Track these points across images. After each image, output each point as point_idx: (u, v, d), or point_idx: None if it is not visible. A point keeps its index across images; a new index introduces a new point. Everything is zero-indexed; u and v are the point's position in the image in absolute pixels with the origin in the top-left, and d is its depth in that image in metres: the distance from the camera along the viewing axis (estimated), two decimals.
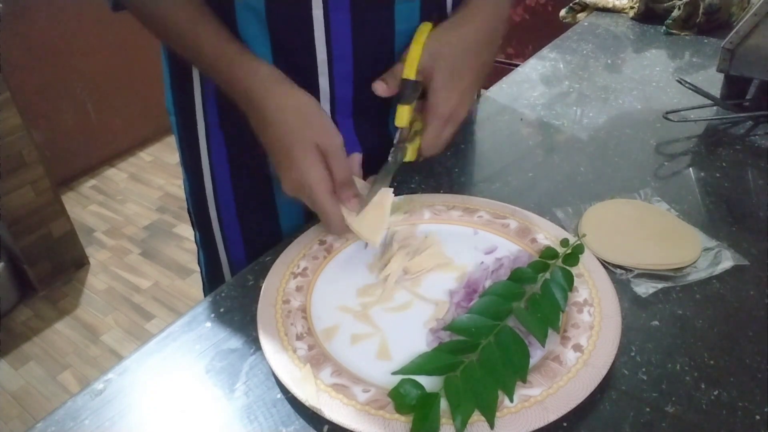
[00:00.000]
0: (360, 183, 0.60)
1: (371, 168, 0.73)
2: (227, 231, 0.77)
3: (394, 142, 0.63)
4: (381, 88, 0.63)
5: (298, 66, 0.63)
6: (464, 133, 0.82)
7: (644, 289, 0.55)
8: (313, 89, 0.65)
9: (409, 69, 0.61)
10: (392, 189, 0.61)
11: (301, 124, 0.57)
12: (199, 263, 0.86)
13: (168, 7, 0.60)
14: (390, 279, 0.57)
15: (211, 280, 0.83)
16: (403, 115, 0.62)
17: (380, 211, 0.59)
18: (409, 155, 0.64)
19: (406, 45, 0.64)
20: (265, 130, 0.59)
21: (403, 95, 0.62)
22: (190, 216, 0.84)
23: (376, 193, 0.60)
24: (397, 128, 0.63)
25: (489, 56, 0.64)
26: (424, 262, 0.58)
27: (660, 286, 0.55)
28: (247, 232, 0.76)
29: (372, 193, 0.59)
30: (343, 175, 0.57)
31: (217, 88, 0.67)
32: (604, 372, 0.46)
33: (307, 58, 0.63)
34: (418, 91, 0.62)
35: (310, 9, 0.60)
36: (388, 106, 0.70)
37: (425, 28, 0.63)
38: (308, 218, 0.72)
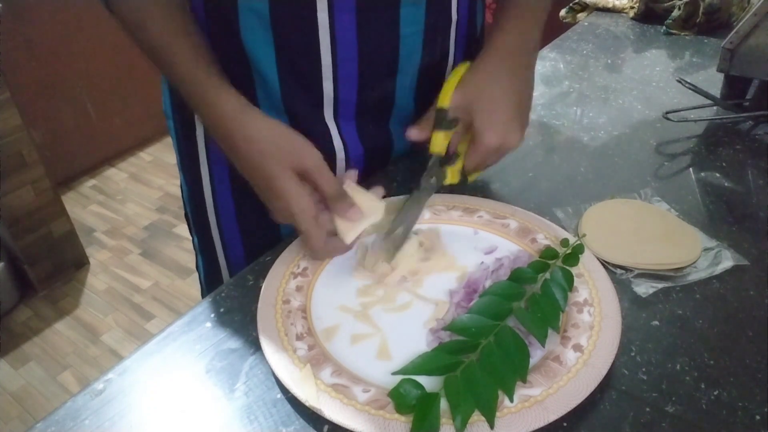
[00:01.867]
0: (359, 190, 0.60)
1: (373, 167, 0.74)
2: (226, 235, 0.76)
3: (428, 165, 0.63)
4: (414, 134, 0.64)
5: (302, 70, 0.63)
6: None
7: (644, 289, 0.55)
8: (317, 93, 0.65)
9: (443, 98, 0.62)
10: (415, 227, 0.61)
11: (274, 151, 0.56)
12: (197, 268, 0.85)
13: (150, 17, 0.59)
14: (393, 277, 0.57)
15: (210, 284, 0.83)
16: (437, 141, 0.62)
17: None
18: (450, 178, 0.64)
19: (412, 48, 0.64)
20: (239, 163, 0.59)
21: (437, 123, 0.62)
22: (187, 220, 0.83)
23: (412, 223, 0.61)
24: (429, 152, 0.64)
25: (524, 84, 0.65)
26: (434, 266, 0.58)
27: (660, 286, 0.55)
28: (246, 236, 0.76)
29: (406, 223, 0.60)
30: (330, 189, 0.56)
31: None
32: (604, 372, 0.46)
33: (311, 61, 0.63)
34: (455, 122, 0.63)
35: (315, 12, 0.59)
36: (390, 107, 0.70)
37: (462, 67, 0.64)
38: None
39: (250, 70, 0.64)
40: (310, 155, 0.56)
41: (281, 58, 0.63)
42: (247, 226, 0.75)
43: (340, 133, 0.69)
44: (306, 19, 0.60)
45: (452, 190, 0.70)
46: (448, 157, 0.64)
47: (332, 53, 0.62)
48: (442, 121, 0.62)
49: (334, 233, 0.57)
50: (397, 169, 0.74)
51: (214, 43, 0.62)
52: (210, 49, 0.61)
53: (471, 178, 0.65)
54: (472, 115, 0.61)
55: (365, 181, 0.73)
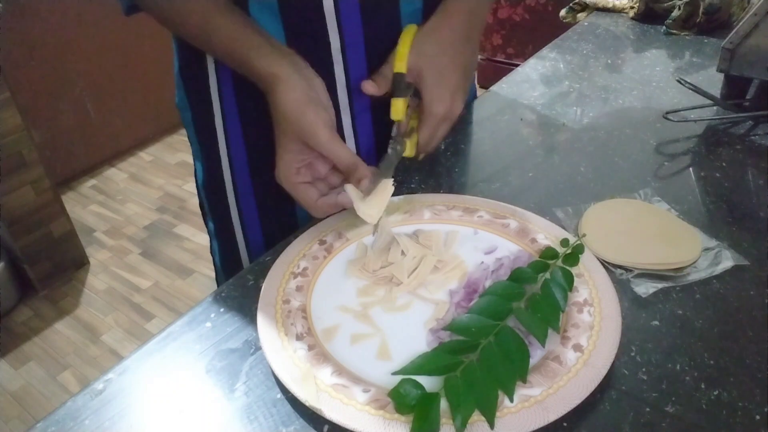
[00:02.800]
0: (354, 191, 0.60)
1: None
2: (246, 218, 0.78)
3: (392, 135, 0.65)
4: (371, 87, 0.65)
5: (313, 55, 0.65)
6: (464, 133, 0.83)
7: (644, 289, 0.55)
8: (330, 78, 0.67)
9: (400, 63, 0.63)
10: (392, 180, 0.62)
11: (286, 125, 0.58)
12: (212, 253, 0.87)
13: (184, 3, 0.61)
14: (402, 289, 0.57)
15: (227, 269, 0.85)
16: (398, 108, 0.63)
17: (381, 199, 0.60)
18: (408, 151, 0.65)
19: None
20: (273, 118, 0.61)
21: (396, 89, 0.64)
22: (201, 209, 0.85)
23: (378, 184, 0.61)
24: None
25: (470, 55, 0.66)
26: (446, 273, 0.58)
27: (660, 286, 0.55)
28: (264, 219, 0.78)
29: (373, 185, 0.60)
30: (343, 162, 0.59)
31: (234, 77, 0.69)
32: (604, 372, 0.46)
33: (321, 47, 0.65)
34: (411, 88, 0.64)
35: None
36: None
37: (411, 29, 0.65)
38: None
39: None
40: (318, 134, 0.57)
41: (291, 45, 0.65)
42: (266, 209, 0.77)
43: (353, 123, 0.71)
44: (312, 5, 0.63)
45: (454, 189, 0.70)
46: (407, 129, 0.66)
47: (340, 38, 0.65)
48: (401, 87, 0.63)
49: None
50: (397, 168, 0.74)
51: None
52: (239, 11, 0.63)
53: (421, 155, 0.67)
54: (421, 83, 0.63)
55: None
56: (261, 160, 0.74)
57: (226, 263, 0.85)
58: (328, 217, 0.63)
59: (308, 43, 0.65)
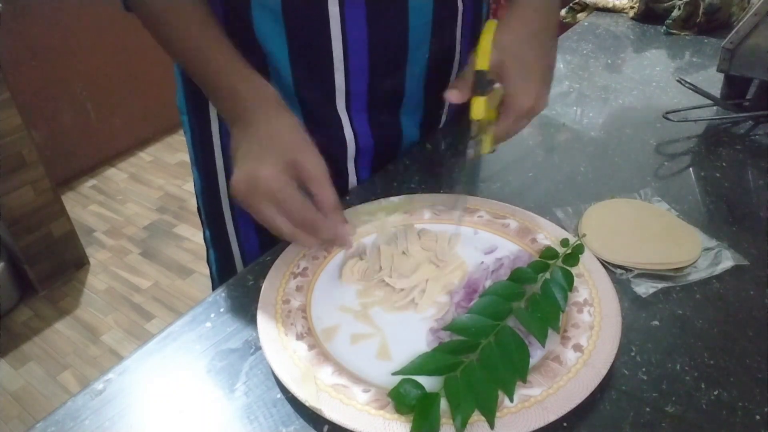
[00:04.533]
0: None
1: (382, 159, 0.75)
2: (241, 226, 0.78)
3: (471, 135, 0.61)
4: (454, 96, 0.61)
5: (314, 62, 0.64)
6: (464, 133, 0.82)
7: (644, 289, 0.55)
8: (329, 85, 0.66)
9: (482, 60, 0.60)
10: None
11: (274, 149, 0.54)
12: (208, 262, 0.86)
13: (171, 11, 0.60)
14: (416, 294, 0.56)
15: (223, 277, 0.84)
16: (479, 107, 0.60)
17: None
18: (486, 146, 0.62)
19: (421, 39, 0.65)
20: (241, 143, 0.57)
21: (478, 86, 0.60)
22: (199, 215, 0.84)
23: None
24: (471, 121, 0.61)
25: (551, 49, 0.64)
26: (448, 276, 0.57)
27: (660, 286, 0.55)
28: (260, 226, 0.76)
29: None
30: (327, 202, 0.54)
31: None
32: (604, 372, 0.46)
33: (323, 54, 0.64)
34: (492, 84, 0.61)
35: (326, 5, 0.61)
36: (401, 99, 0.71)
37: (491, 25, 0.62)
38: None
39: (264, 63, 0.66)
40: (311, 165, 0.54)
41: (293, 50, 0.64)
42: None
43: (351, 124, 0.70)
44: (317, 12, 0.61)
45: (455, 188, 0.70)
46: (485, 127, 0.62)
47: (343, 46, 0.64)
48: (483, 85, 0.60)
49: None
50: (397, 168, 0.74)
51: (228, 35, 0.62)
52: (229, 39, 0.61)
53: (494, 148, 0.63)
54: (505, 77, 0.60)
55: (374, 174, 0.74)
56: None
57: (223, 272, 0.84)
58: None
59: (310, 49, 0.64)
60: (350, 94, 0.68)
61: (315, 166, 0.54)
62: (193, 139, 0.77)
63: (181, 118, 0.78)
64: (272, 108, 0.57)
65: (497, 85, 0.61)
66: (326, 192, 0.54)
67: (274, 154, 0.54)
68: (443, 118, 0.81)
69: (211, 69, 0.59)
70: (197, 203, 0.84)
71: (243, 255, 0.80)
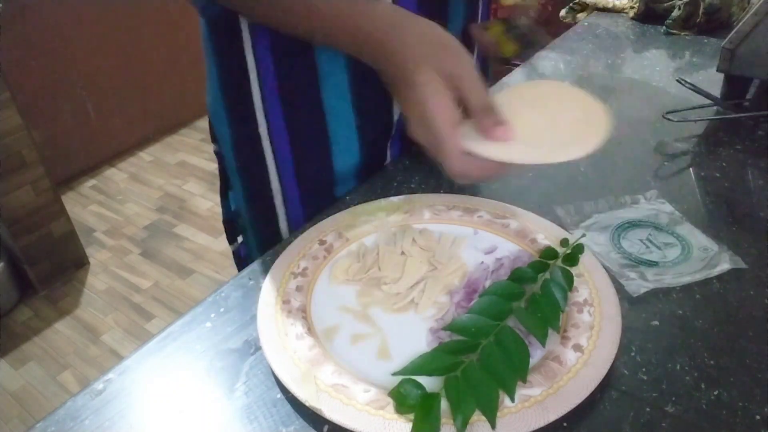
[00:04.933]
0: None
1: (371, 171, 0.74)
2: (288, 192, 0.75)
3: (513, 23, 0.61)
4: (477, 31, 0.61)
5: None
6: None
7: (635, 287, 0.55)
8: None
9: None
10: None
11: (426, 50, 0.50)
12: (243, 231, 0.83)
13: None
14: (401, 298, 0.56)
15: (264, 241, 0.80)
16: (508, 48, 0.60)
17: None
18: (508, 49, 0.62)
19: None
20: (388, 68, 0.54)
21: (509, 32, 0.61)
22: (229, 224, 0.83)
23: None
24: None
25: None
26: (448, 277, 0.57)
27: (651, 286, 0.55)
28: (304, 194, 0.75)
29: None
30: (479, 99, 0.49)
31: (279, 84, 0.67)
32: (604, 372, 0.46)
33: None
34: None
35: None
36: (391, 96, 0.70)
37: None
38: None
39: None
40: (459, 59, 0.50)
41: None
42: (306, 183, 0.74)
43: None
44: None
45: (454, 189, 0.70)
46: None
47: None
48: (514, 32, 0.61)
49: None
50: (397, 169, 0.74)
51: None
52: None
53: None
54: None
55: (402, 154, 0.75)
56: (309, 169, 0.73)
57: (263, 237, 0.80)
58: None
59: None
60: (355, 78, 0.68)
61: (463, 67, 0.50)
62: (235, 148, 0.74)
63: (216, 129, 0.75)
64: (409, 15, 0.54)
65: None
66: (475, 92, 0.49)
67: (430, 71, 0.50)
68: None
69: (319, 11, 0.56)
70: (227, 213, 0.81)
71: (288, 220, 0.77)
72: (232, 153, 0.75)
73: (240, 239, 0.85)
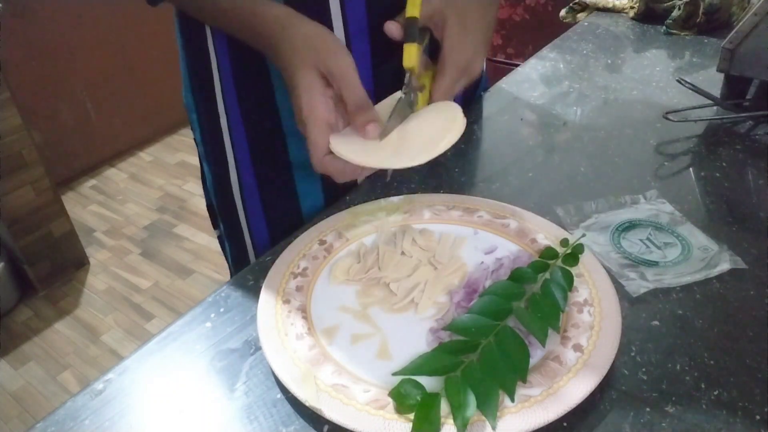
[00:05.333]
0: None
1: None
2: (252, 218, 0.78)
3: (405, 82, 0.59)
4: (393, 28, 0.60)
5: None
6: (464, 133, 0.82)
7: (635, 288, 0.55)
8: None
9: (412, 7, 0.58)
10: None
11: (305, 50, 0.53)
12: (225, 255, 0.87)
13: None
14: (416, 295, 0.56)
15: (239, 268, 0.84)
16: (411, 54, 0.57)
17: (384, 148, 0.53)
18: (420, 105, 0.60)
19: None
20: (278, 67, 0.57)
21: (408, 34, 0.58)
22: (210, 211, 0.85)
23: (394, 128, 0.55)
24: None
25: (493, 14, 0.62)
26: (448, 278, 0.57)
27: (651, 286, 0.55)
28: (270, 217, 0.78)
29: (389, 128, 0.55)
30: (354, 97, 0.52)
31: (235, 78, 0.69)
32: (604, 372, 0.46)
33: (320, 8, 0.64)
34: (426, 35, 0.60)
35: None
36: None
37: None
38: (327, 202, 0.74)
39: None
40: (341, 58, 0.53)
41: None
42: (271, 208, 0.77)
43: None
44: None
45: (454, 189, 0.70)
46: (418, 81, 0.60)
47: (345, 31, 0.64)
48: (413, 33, 0.58)
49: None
50: (397, 168, 0.74)
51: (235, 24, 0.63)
52: None
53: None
54: (444, 30, 0.58)
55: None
56: (266, 163, 0.74)
57: (238, 265, 0.85)
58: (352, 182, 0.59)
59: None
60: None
61: (341, 66, 0.52)
62: (203, 136, 0.78)
63: (189, 116, 0.79)
64: (295, 16, 0.56)
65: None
66: (351, 91, 0.52)
67: (308, 67, 0.53)
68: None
69: (225, 7, 0.59)
70: (208, 200, 0.85)
71: (255, 248, 0.81)
72: (201, 141, 0.79)
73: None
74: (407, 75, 0.59)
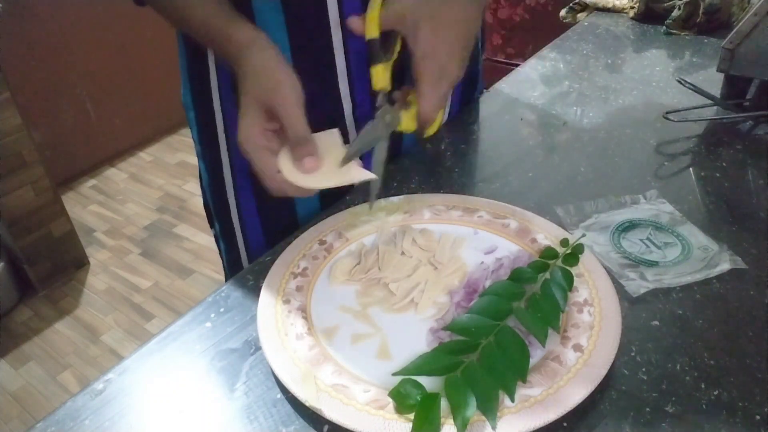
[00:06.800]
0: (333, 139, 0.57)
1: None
2: (246, 218, 0.79)
3: (377, 104, 0.58)
4: (356, 24, 0.58)
5: (314, 42, 0.65)
6: (464, 133, 0.82)
7: (635, 288, 0.55)
8: (331, 69, 0.68)
9: (371, 27, 0.56)
10: (360, 162, 0.56)
11: (253, 83, 0.55)
12: (220, 254, 0.88)
13: None
14: (416, 294, 0.56)
15: (232, 270, 0.86)
16: (378, 76, 0.57)
17: (334, 176, 0.54)
18: (407, 125, 0.58)
19: None
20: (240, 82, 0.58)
21: (371, 56, 0.57)
22: (207, 210, 0.86)
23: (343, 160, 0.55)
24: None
25: (475, 10, 0.58)
26: (448, 278, 0.57)
27: (651, 287, 0.55)
28: (264, 218, 0.78)
29: (351, 153, 0.55)
30: (293, 132, 0.53)
31: (232, 78, 0.68)
32: (604, 372, 0.46)
33: (322, 35, 0.66)
34: (390, 51, 0.58)
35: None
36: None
37: None
38: (324, 205, 0.73)
39: None
40: (282, 95, 0.53)
41: (294, 39, 0.66)
42: (265, 209, 0.77)
43: (354, 111, 0.72)
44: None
45: (454, 189, 0.70)
46: (401, 101, 0.59)
47: (342, 28, 0.65)
48: (377, 54, 0.56)
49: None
50: (397, 168, 0.74)
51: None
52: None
53: (431, 130, 0.59)
54: (412, 37, 0.55)
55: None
56: None
57: (231, 266, 0.86)
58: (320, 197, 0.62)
59: (310, 39, 0.65)
60: (354, 81, 0.69)
61: (283, 102, 0.53)
62: (199, 135, 0.78)
63: (187, 114, 0.79)
64: (256, 42, 0.56)
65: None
66: (291, 127, 0.53)
67: (253, 97, 0.54)
68: (445, 116, 0.81)
69: (198, 22, 0.60)
70: (204, 198, 0.85)
71: (248, 249, 0.81)
72: (198, 139, 0.79)
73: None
74: (379, 96, 0.58)
